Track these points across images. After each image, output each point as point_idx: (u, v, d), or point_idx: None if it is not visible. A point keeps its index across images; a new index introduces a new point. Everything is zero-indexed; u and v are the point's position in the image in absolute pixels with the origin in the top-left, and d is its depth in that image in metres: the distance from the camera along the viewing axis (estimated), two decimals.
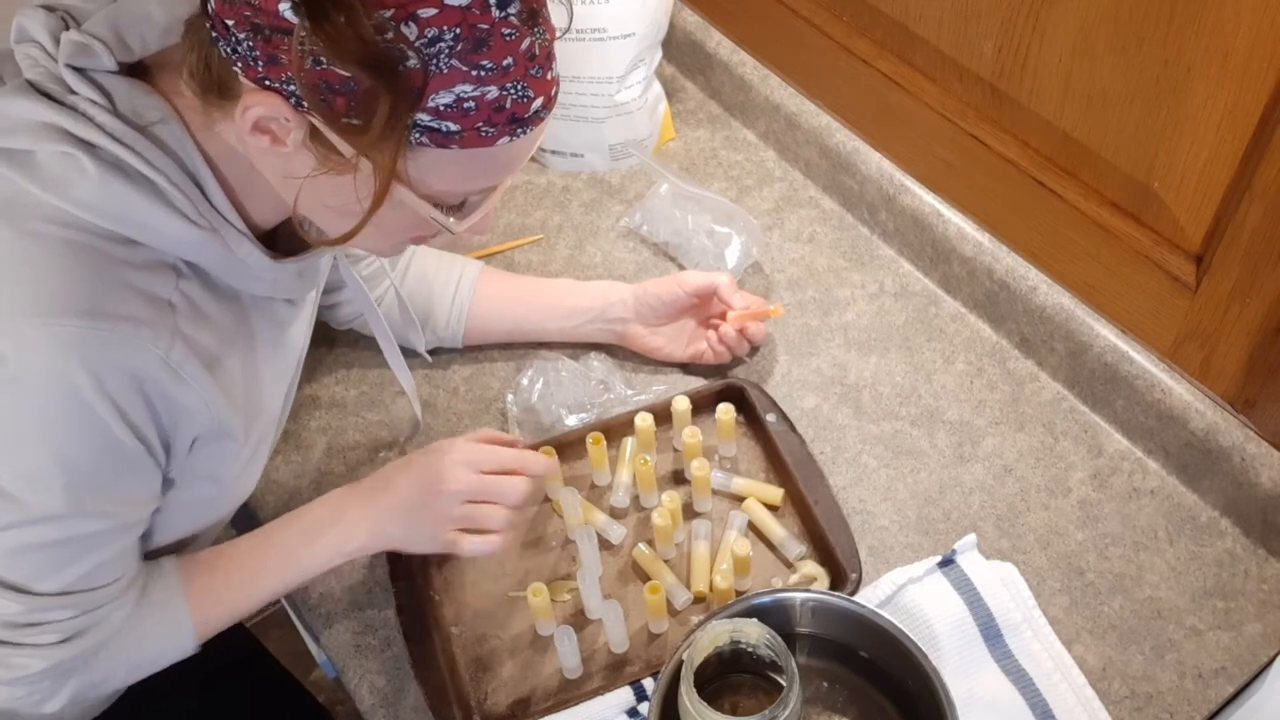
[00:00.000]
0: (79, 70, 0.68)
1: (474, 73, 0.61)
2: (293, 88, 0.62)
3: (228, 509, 0.89)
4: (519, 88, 0.64)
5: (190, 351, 0.71)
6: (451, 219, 0.71)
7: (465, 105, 0.62)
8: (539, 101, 0.65)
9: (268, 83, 0.62)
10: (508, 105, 0.64)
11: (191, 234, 0.70)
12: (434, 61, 0.60)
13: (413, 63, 0.60)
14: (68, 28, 0.70)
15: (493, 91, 0.63)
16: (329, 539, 0.87)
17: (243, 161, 0.71)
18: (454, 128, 0.63)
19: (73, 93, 0.68)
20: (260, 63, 0.62)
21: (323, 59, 0.59)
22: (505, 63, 0.62)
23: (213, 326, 0.74)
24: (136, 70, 0.71)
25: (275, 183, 0.72)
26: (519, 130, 0.66)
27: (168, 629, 0.82)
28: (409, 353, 1.11)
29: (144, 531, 0.84)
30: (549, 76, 0.66)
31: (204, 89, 0.67)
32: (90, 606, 0.76)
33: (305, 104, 0.62)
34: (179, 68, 0.69)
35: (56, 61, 0.68)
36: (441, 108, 0.62)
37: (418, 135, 0.63)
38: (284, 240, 0.84)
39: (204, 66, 0.66)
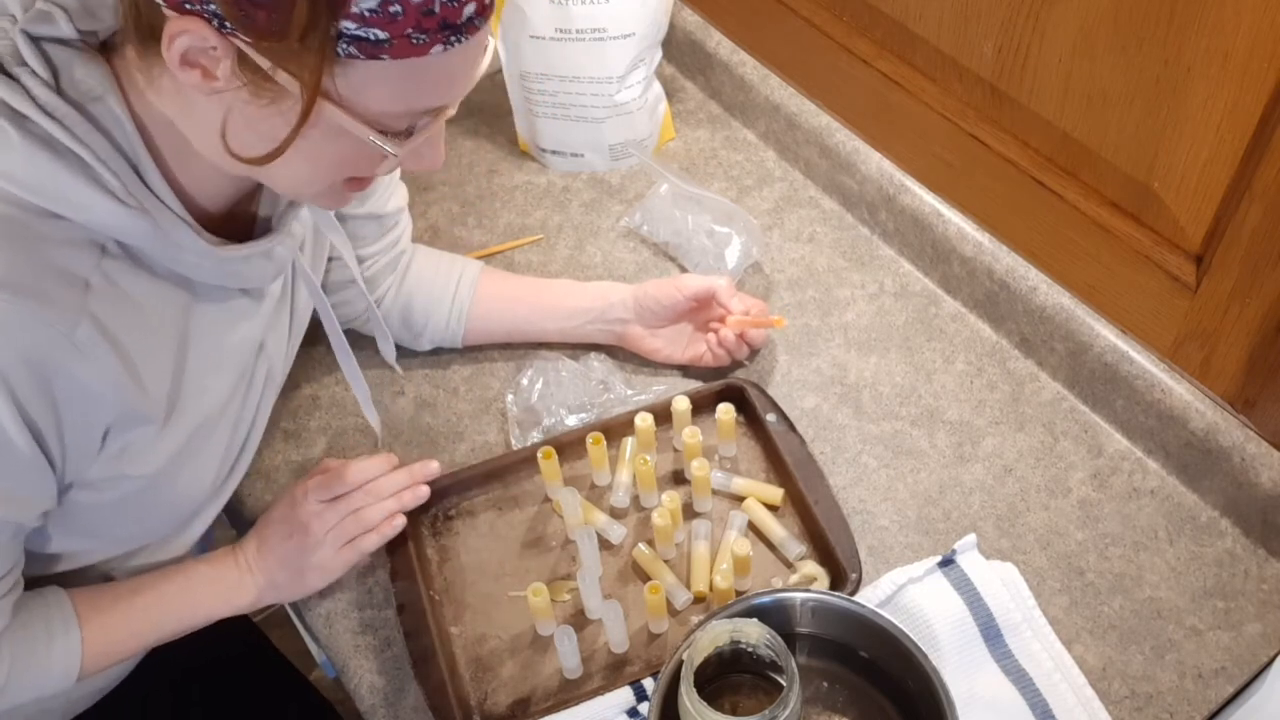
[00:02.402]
0: (35, 41, 0.68)
1: None
2: (212, 6, 0.60)
3: (176, 512, 0.87)
4: None
5: (100, 332, 0.69)
6: (392, 144, 0.68)
7: (391, 9, 0.60)
8: (471, 7, 0.63)
9: (188, 5, 0.61)
10: (437, 9, 0.61)
11: (118, 213, 0.69)
12: None
13: None
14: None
15: None
16: (211, 596, 0.89)
17: (183, 139, 0.70)
18: (382, 35, 0.61)
19: (22, 64, 0.67)
20: None
21: None
22: None
23: (139, 309, 0.73)
24: (108, 44, 0.71)
25: (213, 141, 0.69)
26: (453, 38, 0.63)
27: (57, 659, 0.81)
28: (408, 352, 1.12)
29: (90, 538, 0.83)
30: None
31: (140, 36, 0.66)
32: None
33: (227, 23, 0.60)
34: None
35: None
36: (366, 13, 0.60)
37: (345, 46, 0.61)
38: (261, 230, 0.83)
39: (134, 9, 0.65)
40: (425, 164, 0.74)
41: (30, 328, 0.66)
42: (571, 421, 1.05)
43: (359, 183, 0.76)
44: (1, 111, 0.66)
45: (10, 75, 0.67)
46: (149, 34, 0.65)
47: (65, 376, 0.68)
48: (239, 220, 0.82)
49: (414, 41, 0.62)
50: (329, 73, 0.63)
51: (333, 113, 0.65)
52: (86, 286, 0.69)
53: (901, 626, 0.82)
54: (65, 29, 0.69)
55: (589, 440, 0.98)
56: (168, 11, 0.62)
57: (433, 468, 0.97)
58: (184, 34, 0.62)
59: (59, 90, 0.68)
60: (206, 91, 0.65)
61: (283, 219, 0.82)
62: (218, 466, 0.86)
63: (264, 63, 0.62)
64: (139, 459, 0.78)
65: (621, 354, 1.10)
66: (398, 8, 0.60)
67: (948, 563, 0.92)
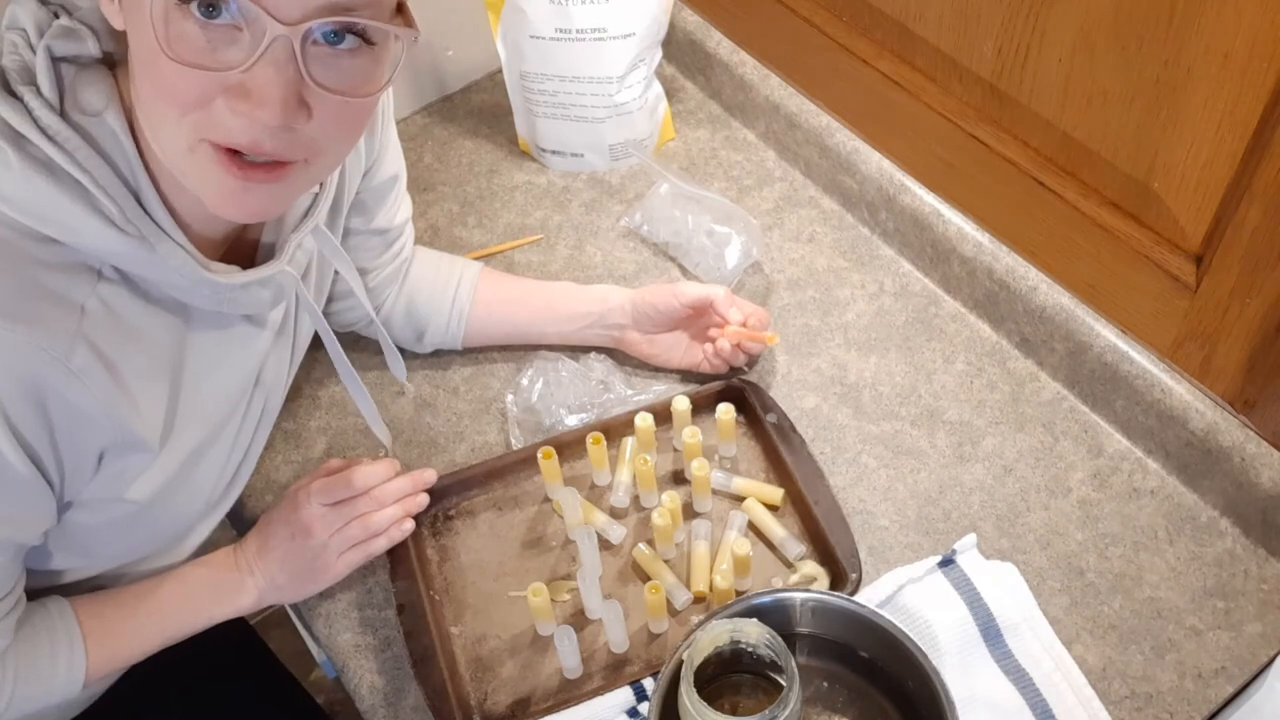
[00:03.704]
0: (54, 60, 0.67)
1: None
2: None
3: (171, 529, 0.87)
4: None
5: (96, 358, 0.69)
6: (185, 27, 0.61)
7: None
8: None
9: None
10: None
11: (116, 240, 0.68)
12: None
13: None
14: (58, 18, 0.69)
15: None
16: (212, 599, 0.89)
17: None
18: None
19: (28, 84, 0.66)
20: None
21: None
22: None
23: (136, 335, 0.72)
24: (111, 59, 0.70)
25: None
26: None
27: (62, 671, 0.81)
28: (409, 354, 1.11)
29: (84, 556, 0.83)
30: None
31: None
32: None
33: None
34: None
35: (33, 51, 0.67)
36: None
37: None
38: (264, 256, 0.82)
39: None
40: (253, 103, 0.62)
41: (25, 352, 0.65)
42: (571, 421, 1.05)
43: (230, 155, 0.65)
44: (2, 132, 0.66)
45: (14, 94, 0.66)
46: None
47: (60, 400, 0.68)
48: (241, 246, 0.81)
49: None
50: None
51: None
52: (82, 311, 0.68)
53: (901, 626, 0.82)
54: (92, 47, 0.68)
55: (589, 440, 0.98)
56: None
57: (430, 476, 0.97)
58: None
59: (62, 112, 0.67)
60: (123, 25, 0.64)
61: (284, 246, 0.80)
62: (212, 488, 0.86)
63: None
64: (134, 482, 0.77)
65: (621, 354, 1.10)
66: None
67: (948, 563, 0.92)
